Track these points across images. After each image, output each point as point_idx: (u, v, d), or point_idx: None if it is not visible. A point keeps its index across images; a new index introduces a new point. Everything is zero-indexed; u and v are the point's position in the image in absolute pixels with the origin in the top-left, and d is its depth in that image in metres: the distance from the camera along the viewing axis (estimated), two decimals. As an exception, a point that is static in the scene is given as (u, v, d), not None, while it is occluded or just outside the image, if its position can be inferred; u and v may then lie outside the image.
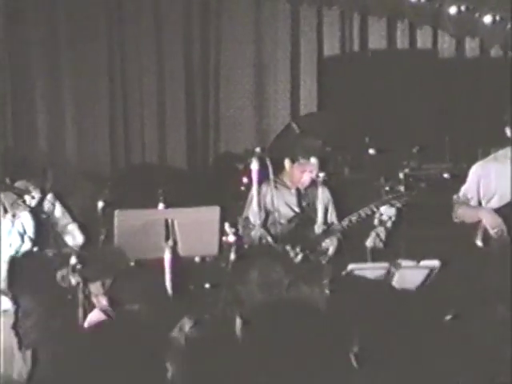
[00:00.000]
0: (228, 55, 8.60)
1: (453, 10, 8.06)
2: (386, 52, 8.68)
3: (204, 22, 8.57)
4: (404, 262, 5.48)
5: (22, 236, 6.22)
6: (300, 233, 6.37)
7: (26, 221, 6.26)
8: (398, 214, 6.62)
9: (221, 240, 6.07)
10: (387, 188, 7.16)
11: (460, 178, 6.54)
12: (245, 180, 6.87)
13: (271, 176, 6.45)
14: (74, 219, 6.58)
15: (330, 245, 6.39)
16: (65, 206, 6.62)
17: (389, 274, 5.46)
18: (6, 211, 6.29)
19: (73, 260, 5.31)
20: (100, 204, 6.41)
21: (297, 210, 6.56)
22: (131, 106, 8.56)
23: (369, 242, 6.23)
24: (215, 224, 5.87)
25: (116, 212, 5.71)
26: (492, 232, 5.63)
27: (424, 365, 4.57)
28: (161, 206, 6.16)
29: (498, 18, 8.03)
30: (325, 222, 6.55)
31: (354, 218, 6.40)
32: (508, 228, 5.60)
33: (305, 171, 6.57)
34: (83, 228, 6.61)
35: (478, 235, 5.67)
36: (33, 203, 6.30)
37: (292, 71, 8.74)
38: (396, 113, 8.00)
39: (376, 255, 5.98)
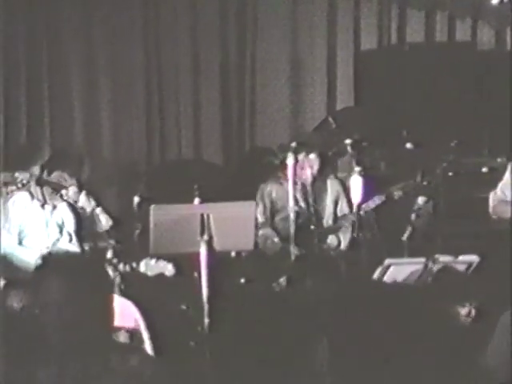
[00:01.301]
0: (264, 50, 8.62)
1: (494, 0, 8.05)
2: (424, 45, 8.65)
3: (240, 18, 8.61)
4: (442, 257, 5.49)
5: (60, 228, 6.32)
6: (307, 229, 6.41)
7: (65, 214, 6.36)
8: (435, 208, 6.65)
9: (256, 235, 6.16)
10: (425, 183, 7.19)
11: (498, 173, 6.55)
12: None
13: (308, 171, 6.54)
14: (98, 204, 6.65)
15: (341, 238, 6.46)
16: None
17: (426, 269, 5.48)
18: (45, 203, 6.40)
19: (109, 254, 5.39)
20: (136, 199, 6.50)
21: (303, 205, 6.60)
22: (167, 102, 8.62)
23: (405, 237, 6.26)
24: (251, 219, 5.92)
25: (152, 207, 5.77)
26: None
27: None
28: (196, 200, 6.22)
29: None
30: (336, 215, 6.59)
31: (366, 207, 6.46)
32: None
33: (305, 167, 6.64)
34: (119, 222, 6.71)
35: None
36: (69, 196, 6.40)
37: (328, 65, 8.74)
38: (434, 107, 7.99)
39: (413, 250, 6.00)
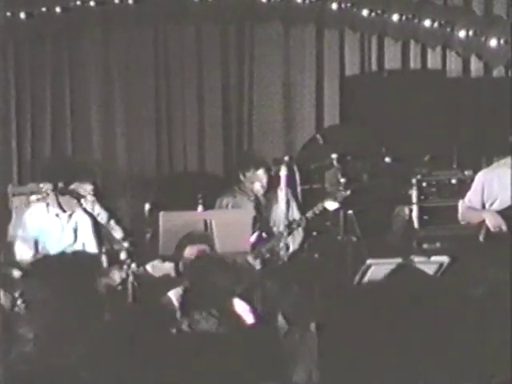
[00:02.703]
0: (260, 75, 8.65)
1: (462, 33, 8.10)
2: (400, 72, 8.68)
3: (239, 47, 8.64)
4: (416, 258, 5.49)
5: (75, 233, 6.26)
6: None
7: (80, 220, 6.29)
8: (410, 214, 6.66)
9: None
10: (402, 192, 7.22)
11: (466, 184, 6.57)
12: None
13: (298, 181, 6.56)
14: (112, 216, 6.64)
15: (292, 240, 6.44)
16: (107, 206, 6.69)
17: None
18: (62, 211, 6.31)
19: (123, 255, 5.37)
20: (147, 206, 6.52)
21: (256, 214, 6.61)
22: (175, 121, 8.65)
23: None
24: (248, 225, 5.95)
25: (161, 213, 5.79)
26: (493, 230, 5.68)
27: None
28: (200, 208, 6.25)
29: (502, 41, 8.05)
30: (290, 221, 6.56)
31: (317, 210, 6.47)
32: (508, 227, 5.64)
33: (254, 182, 6.68)
34: (131, 228, 6.70)
35: (482, 233, 5.71)
36: (87, 205, 6.36)
37: (317, 89, 8.77)
38: (409, 126, 8.01)
39: (390, 251, 5.99)
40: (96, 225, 6.30)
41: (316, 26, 8.58)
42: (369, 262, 5.38)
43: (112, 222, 6.62)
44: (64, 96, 8.30)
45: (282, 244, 6.37)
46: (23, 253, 5.94)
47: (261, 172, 6.72)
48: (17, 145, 8.11)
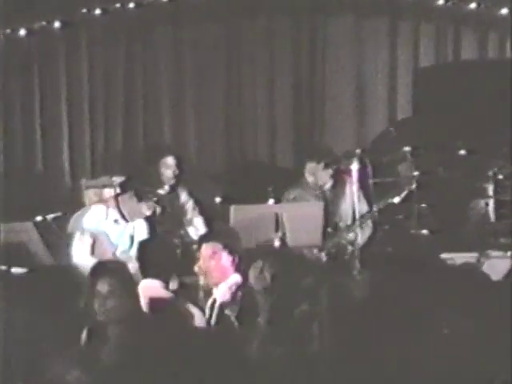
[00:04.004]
0: (333, 67, 8.62)
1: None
2: (476, 62, 8.55)
3: (311, 39, 8.62)
4: (493, 252, 5.42)
5: (132, 239, 6.27)
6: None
7: (137, 225, 6.29)
8: (486, 208, 6.55)
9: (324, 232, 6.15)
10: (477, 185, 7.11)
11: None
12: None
13: (370, 174, 6.51)
14: (201, 213, 6.70)
15: (359, 234, 6.38)
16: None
17: (478, 263, 5.42)
18: (123, 217, 6.32)
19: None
20: (217, 199, 6.56)
21: None
22: (246, 113, 8.68)
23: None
24: (319, 218, 5.95)
25: (232, 207, 5.83)
26: None
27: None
28: (271, 201, 6.26)
29: None
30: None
31: (383, 204, 6.40)
32: None
33: (315, 174, 6.61)
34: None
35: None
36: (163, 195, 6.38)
37: (390, 80, 8.70)
38: (485, 117, 7.88)
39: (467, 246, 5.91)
40: (153, 230, 6.28)
41: (389, 17, 8.51)
42: (443, 256, 5.33)
43: (194, 219, 6.68)
44: (136, 90, 8.41)
45: (349, 238, 6.35)
46: (80, 254, 5.99)
47: (320, 165, 6.67)
48: (90, 138, 8.25)
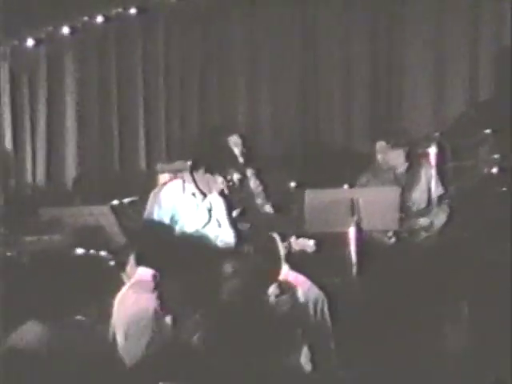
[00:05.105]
0: (411, 46, 8.50)
1: None
2: None
3: (390, 14, 8.49)
4: None
5: (209, 213, 6.33)
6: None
7: (214, 200, 6.35)
8: None
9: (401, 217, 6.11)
10: None
11: None
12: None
13: (448, 158, 6.44)
14: (268, 199, 6.73)
15: (433, 218, 6.27)
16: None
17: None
18: (200, 190, 6.40)
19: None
20: (292, 183, 6.59)
21: None
22: (322, 96, 8.66)
23: None
24: (395, 202, 5.91)
25: (307, 191, 5.85)
26: None
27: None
28: (346, 186, 6.25)
29: None
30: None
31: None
32: None
33: (387, 154, 6.51)
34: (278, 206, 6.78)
35: None
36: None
37: (471, 60, 8.52)
38: None
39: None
40: (230, 206, 6.34)
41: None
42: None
43: (262, 204, 6.72)
44: (213, 73, 8.49)
45: (422, 223, 6.29)
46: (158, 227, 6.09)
47: (390, 144, 6.61)
48: (165, 121, 8.37)
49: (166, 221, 6.00)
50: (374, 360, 4.17)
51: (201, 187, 6.14)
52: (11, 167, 7.46)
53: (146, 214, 6.10)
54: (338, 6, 8.45)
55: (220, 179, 6.12)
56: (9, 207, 6.73)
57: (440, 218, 6.41)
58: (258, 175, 6.86)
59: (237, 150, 6.70)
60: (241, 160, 6.64)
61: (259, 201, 6.75)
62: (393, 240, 5.69)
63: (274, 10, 8.38)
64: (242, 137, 6.82)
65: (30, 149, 7.78)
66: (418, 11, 8.43)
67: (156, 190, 6.22)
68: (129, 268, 4.69)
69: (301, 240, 5.43)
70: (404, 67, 8.54)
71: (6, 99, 7.56)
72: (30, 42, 7.43)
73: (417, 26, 8.47)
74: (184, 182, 6.20)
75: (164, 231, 5.92)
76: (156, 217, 6.06)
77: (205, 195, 6.13)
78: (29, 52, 7.51)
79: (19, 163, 7.67)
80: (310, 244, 5.47)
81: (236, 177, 6.24)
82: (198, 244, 4.69)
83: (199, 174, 6.15)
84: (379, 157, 6.63)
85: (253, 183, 6.80)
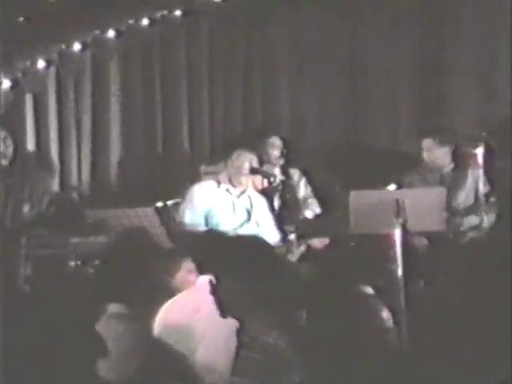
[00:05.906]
0: (453, 47, 8.43)
1: None
2: None
3: (437, 23, 8.44)
4: None
5: (248, 212, 6.33)
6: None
7: (254, 197, 6.34)
8: None
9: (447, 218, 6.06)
10: None
11: None
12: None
13: (495, 158, 6.36)
14: (314, 194, 6.72)
15: (482, 217, 6.20)
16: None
17: None
18: (234, 186, 6.39)
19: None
20: (337, 185, 6.58)
21: None
22: (368, 96, 8.61)
23: None
24: (441, 203, 5.87)
25: (351, 192, 5.83)
26: None
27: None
28: (392, 187, 6.22)
29: None
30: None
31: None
32: None
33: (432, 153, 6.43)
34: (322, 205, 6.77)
35: None
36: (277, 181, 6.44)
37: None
38: None
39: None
40: (272, 206, 6.34)
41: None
42: None
43: (309, 200, 6.72)
44: (256, 74, 8.51)
45: (470, 224, 6.23)
46: (193, 227, 6.11)
47: (436, 141, 6.55)
48: (209, 122, 8.41)
49: (199, 218, 6.03)
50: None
51: (236, 184, 6.17)
52: (56, 169, 7.55)
53: (179, 213, 6.14)
54: (385, 6, 8.41)
55: (258, 178, 6.14)
56: (53, 209, 6.82)
57: (489, 218, 6.35)
58: (306, 176, 6.86)
59: (277, 152, 6.71)
60: (281, 162, 6.65)
61: (309, 201, 6.76)
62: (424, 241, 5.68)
63: (319, 10, 8.37)
64: (282, 138, 6.83)
65: (76, 151, 7.86)
66: (466, 11, 8.35)
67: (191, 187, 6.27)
68: (181, 274, 4.63)
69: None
70: (451, 66, 8.45)
71: (53, 103, 7.66)
72: (77, 46, 7.50)
73: (464, 26, 8.39)
74: (219, 180, 6.24)
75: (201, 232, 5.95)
76: (189, 213, 6.10)
77: (242, 192, 6.16)
78: (75, 56, 7.59)
79: (65, 165, 7.76)
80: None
81: (279, 177, 6.26)
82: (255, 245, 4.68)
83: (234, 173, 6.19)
84: (426, 155, 6.60)
85: (303, 184, 6.81)
